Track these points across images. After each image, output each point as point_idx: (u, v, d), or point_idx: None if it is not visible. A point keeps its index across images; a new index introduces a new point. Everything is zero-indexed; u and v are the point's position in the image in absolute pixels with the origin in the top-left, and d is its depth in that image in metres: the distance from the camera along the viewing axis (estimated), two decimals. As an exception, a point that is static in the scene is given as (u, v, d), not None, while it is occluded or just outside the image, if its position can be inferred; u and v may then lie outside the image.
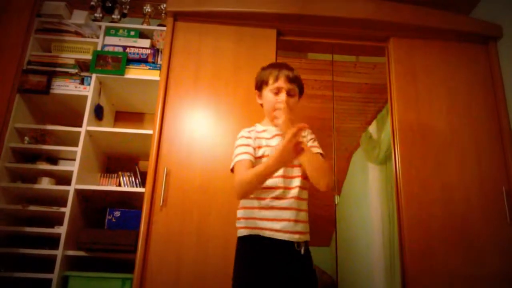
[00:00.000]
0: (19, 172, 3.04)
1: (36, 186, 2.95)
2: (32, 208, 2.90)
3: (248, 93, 2.86)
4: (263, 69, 2.16)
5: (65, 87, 3.15)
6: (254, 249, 1.92)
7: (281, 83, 2.04)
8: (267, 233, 1.90)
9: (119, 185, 3.20)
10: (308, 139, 2.07)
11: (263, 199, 1.95)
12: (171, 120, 2.81)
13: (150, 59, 3.26)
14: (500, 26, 3.21)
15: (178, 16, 3.04)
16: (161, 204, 2.61)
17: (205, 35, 3.02)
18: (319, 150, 2.03)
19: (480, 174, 2.88)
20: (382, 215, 3.37)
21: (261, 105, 2.16)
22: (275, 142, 2.03)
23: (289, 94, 2.03)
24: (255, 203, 1.97)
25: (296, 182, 1.99)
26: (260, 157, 2.00)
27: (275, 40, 3.05)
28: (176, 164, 2.70)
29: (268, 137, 2.06)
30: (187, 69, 2.93)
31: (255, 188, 1.92)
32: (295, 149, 1.78)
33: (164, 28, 3.21)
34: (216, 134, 2.80)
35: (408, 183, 2.81)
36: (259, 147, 2.03)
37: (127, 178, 3.21)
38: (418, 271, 2.63)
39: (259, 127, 2.14)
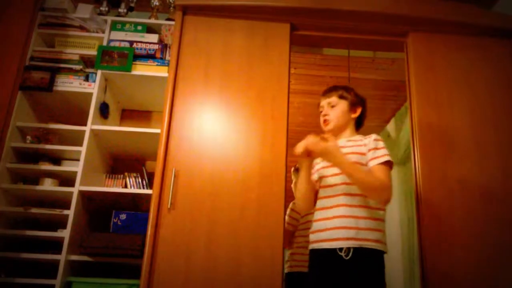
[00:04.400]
0: (21, 173, 3.00)
1: (39, 187, 2.92)
2: (34, 210, 2.86)
3: (260, 89, 2.81)
4: None
5: (69, 84, 3.11)
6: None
7: (323, 101, 2.34)
8: None
9: (125, 186, 3.16)
10: (369, 147, 2.17)
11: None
12: (179, 118, 2.74)
13: (158, 55, 3.22)
14: (524, 20, 3.11)
15: (187, 10, 2.98)
16: (169, 206, 2.54)
17: (215, 30, 2.96)
18: (377, 161, 2.12)
19: (503, 175, 2.77)
20: (401, 218, 3.30)
21: None
22: None
23: (330, 106, 2.30)
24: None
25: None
26: (316, 171, 2.27)
27: (289, 35, 2.98)
28: (185, 165, 2.64)
29: None
30: (197, 65, 2.87)
31: None
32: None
33: (173, 23, 3.16)
34: (227, 133, 2.73)
35: (428, 185, 2.71)
36: (317, 163, 2.29)
37: (133, 179, 3.17)
38: (439, 276, 2.53)
39: None
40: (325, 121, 2.28)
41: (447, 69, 3.00)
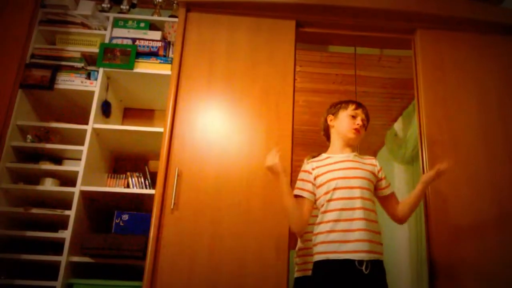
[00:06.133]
0: (21, 173, 2.98)
1: (39, 187, 2.91)
2: (35, 211, 2.85)
3: (265, 88, 2.80)
4: (343, 101, 2.47)
5: (70, 82, 3.10)
6: None
7: (360, 112, 2.38)
8: None
9: (128, 186, 3.16)
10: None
11: None
12: (183, 117, 2.73)
13: (161, 52, 3.20)
14: (534, 16, 3.09)
15: (190, 7, 2.97)
16: (172, 206, 2.52)
17: (219, 27, 2.95)
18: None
19: (513, 174, 2.77)
20: (408, 219, 3.26)
21: (331, 127, 2.43)
22: (339, 166, 2.25)
23: (363, 123, 2.37)
24: None
25: None
26: (325, 182, 2.21)
27: (294, 32, 2.96)
28: (188, 164, 2.62)
29: (331, 163, 2.28)
30: (200, 62, 2.86)
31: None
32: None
33: (176, 19, 3.17)
34: (231, 132, 2.72)
35: (436, 184, 2.64)
36: (322, 174, 2.25)
37: (136, 179, 3.16)
38: (447, 278, 2.51)
39: (323, 156, 2.37)
40: (358, 130, 2.33)
41: (455, 67, 2.98)
